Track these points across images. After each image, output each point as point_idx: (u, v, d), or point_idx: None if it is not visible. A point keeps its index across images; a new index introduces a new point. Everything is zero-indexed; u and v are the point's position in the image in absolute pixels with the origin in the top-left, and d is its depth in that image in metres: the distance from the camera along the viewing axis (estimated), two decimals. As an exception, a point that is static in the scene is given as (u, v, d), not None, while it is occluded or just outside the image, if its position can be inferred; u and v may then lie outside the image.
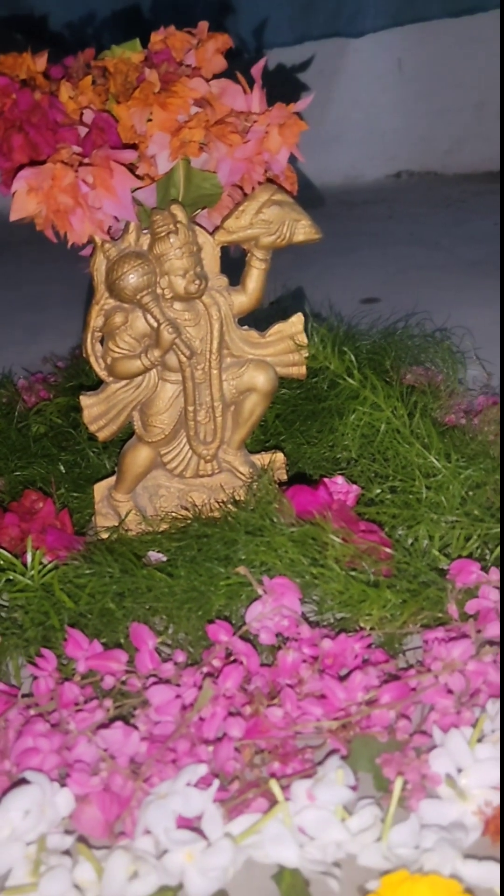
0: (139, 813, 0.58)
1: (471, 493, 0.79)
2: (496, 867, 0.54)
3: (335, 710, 0.65)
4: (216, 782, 0.59)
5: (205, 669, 0.68)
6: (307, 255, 1.98)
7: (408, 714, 0.65)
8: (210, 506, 0.89)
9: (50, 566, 0.78)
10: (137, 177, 0.77)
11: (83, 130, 0.78)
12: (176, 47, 0.82)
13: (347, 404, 0.87)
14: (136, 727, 0.64)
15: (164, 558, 0.82)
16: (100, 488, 0.91)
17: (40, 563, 0.79)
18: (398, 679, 0.66)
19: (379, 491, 0.85)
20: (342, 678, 0.67)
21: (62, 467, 0.99)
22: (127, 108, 0.79)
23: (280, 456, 0.92)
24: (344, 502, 0.82)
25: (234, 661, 0.69)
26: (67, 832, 0.59)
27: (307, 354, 0.88)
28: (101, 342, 0.86)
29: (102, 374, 0.86)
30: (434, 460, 0.81)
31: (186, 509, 0.88)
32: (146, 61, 0.82)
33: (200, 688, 0.66)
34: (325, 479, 0.84)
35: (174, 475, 0.90)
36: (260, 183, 0.84)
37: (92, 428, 0.88)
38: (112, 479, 0.91)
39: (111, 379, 0.87)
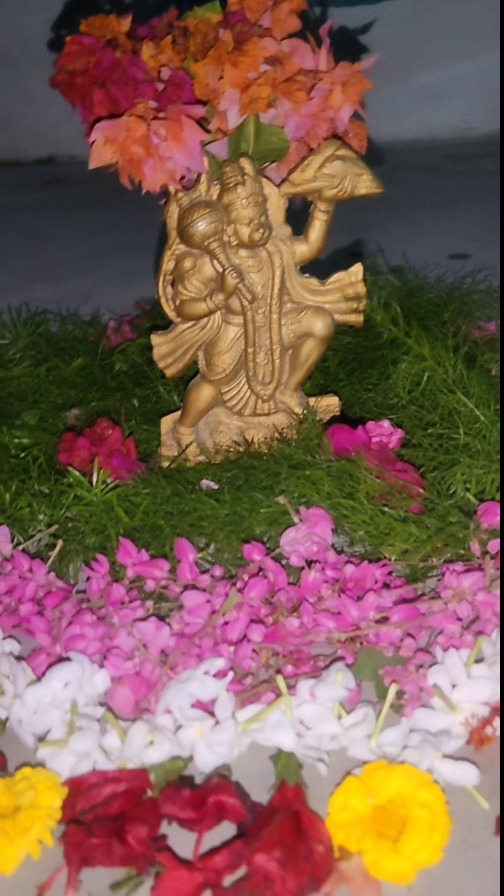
0: (162, 694, 0.66)
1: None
2: (471, 768, 0.60)
3: (348, 625, 0.71)
4: (231, 674, 0.67)
5: (237, 583, 0.76)
6: (405, 209, 2.01)
7: (416, 635, 0.71)
8: (262, 443, 0.95)
9: (112, 485, 0.87)
10: (207, 130, 0.83)
11: (161, 87, 0.85)
12: (252, 8, 0.87)
13: (399, 353, 0.92)
14: (170, 625, 0.73)
15: (215, 486, 0.89)
16: (166, 421, 0.99)
17: (104, 482, 0.88)
18: (410, 602, 0.72)
19: (424, 436, 0.90)
20: (359, 600, 0.74)
21: (136, 402, 1.07)
22: (203, 66, 0.85)
23: (334, 399, 0.98)
24: (385, 444, 0.88)
25: (263, 576, 0.76)
26: (102, 705, 0.68)
27: (362, 304, 0.92)
28: (172, 285, 0.93)
29: (171, 314, 0.94)
30: (473, 408, 0.85)
31: (238, 444, 0.95)
32: (223, 22, 0.87)
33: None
34: (371, 422, 0.90)
35: (233, 413, 0.97)
36: (325, 138, 0.88)
37: (160, 365, 0.96)
38: (178, 413, 0.99)
39: (179, 319, 0.94)
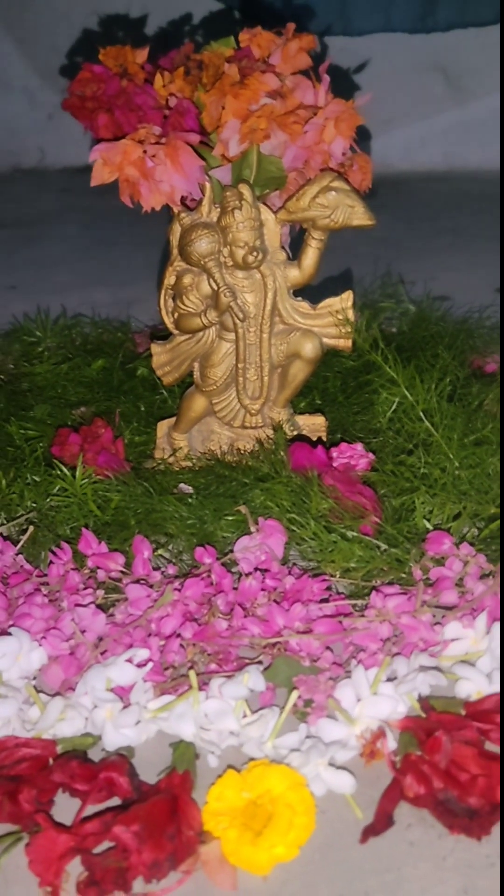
0: (84, 675, 0.71)
1: (458, 472, 0.85)
2: (348, 777, 0.63)
3: (273, 632, 0.75)
4: (151, 664, 0.72)
5: (175, 582, 0.81)
6: (468, 238, 2.01)
7: (339, 649, 0.74)
8: (246, 454, 1.00)
9: (93, 481, 0.93)
10: (203, 157, 0.89)
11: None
12: (261, 45, 0.92)
13: (377, 377, 0.95)
14: (114, 615, 0.78)
15: (192, 490, 0.94)
16: (162, 426, 1.05)
17: (87, 477, 0.94)
18: (334, 617, 0.76)
19: (395, 462, 0.93)
20: (292, 610, 0.77)
21: (142, 406, 1.13)
22: (209, 96, 0.90)
23: (321, 419, 1.01)
24: (352, 466, 0.91)
25: (205, 577, 0.81)
26: (32, 679, 0.74)
27: (349, 329, 0.96)
28: (173, 299, 0.99)
29: (170, 326, 1.00)
30: (438, 438, 0.88)
31: (216, 453, 1.00)
32: (233, 56, 0.92)
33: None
34: (343, 444, 0.93)
35: (224, 423, 1.02)
36: (322, 170, 0.92)
37: (159, 373, 1.02)
38: (174, 419, 1.04)
39: (177, 332, 1.00)
